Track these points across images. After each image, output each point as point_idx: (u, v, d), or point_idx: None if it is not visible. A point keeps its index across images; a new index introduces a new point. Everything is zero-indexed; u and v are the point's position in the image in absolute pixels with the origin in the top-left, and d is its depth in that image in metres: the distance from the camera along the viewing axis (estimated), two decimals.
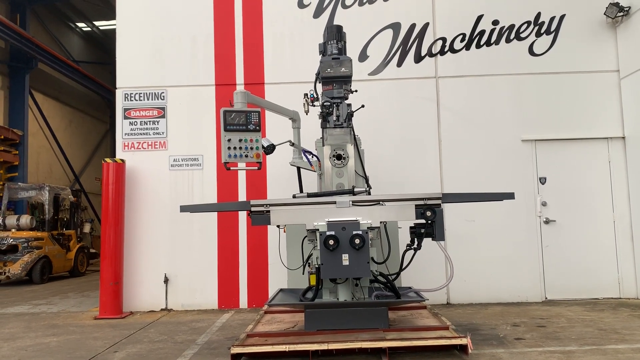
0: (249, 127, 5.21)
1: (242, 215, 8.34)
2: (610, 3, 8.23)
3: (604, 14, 8.31)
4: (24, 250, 13.19)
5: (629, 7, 8.09)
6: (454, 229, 8.12)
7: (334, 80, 5.64)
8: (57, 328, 7.10)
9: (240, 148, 5.21)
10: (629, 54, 8.21)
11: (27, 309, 8.96)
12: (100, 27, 24.15)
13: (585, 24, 8.50)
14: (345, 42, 5.91)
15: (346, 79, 5.67)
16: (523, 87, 8.44)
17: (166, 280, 8.24)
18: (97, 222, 21.06)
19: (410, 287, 6.14)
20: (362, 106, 5.97)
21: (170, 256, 8.29)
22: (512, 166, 8.31)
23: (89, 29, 24.20)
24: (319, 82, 5.89)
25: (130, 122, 8.48)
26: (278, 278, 7.96)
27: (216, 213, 8.33)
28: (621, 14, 8.18)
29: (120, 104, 8.53)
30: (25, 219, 13.96)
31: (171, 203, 8.29)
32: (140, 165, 8.38)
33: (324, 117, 5.73)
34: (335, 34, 5.80)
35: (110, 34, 22.10)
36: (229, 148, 5.18)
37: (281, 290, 6.31)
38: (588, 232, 8.23)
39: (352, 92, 5.83)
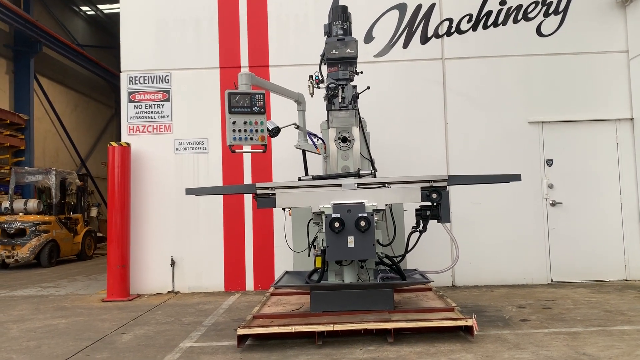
0: (253, 109, 5.18)
1: (248, 198, 8.35)
2: None
3: None
4: (32, 234, 13.30)
5: None
6: (460, 212, 8.10)
7: (339, 62, 5.59)
8: (65, 310, 7.17)
9: (245, 131, 5.18)
10: (638, 34, 8.09)
11: (35, 292, 9.05)
12: (105, 11, 24.02)
13: (594, 3, 8.37)
14: (350, 23, 5.84)
15: (351, 60, 5.62)
16: (530, 69, 8.34)
17: (173, 263, 8.28)
18: (103, 206, 21.16)
19: (415, 269, 6.15)
20: (368, 88, 5.92)
21: (176, 239, 8.32)
22: (519, 148, 8.25)
23: (93, 12, 24.09)
24: (324, 64, 5.83)
25: (135, 106, 8.47)
26: (284, 260, 7.99)
27: (222, 196, 8.34)
28: None
29: (124, 87, 8.51)
30: (32, 203, 14.05)
31: (177, 186, 8.29)
32: (145, 149, 8.39)
33: (329, 99, 5.69)
34: (340, 14, 5.73)
35: (115, 18, 21.96)
36: (233, 130, 5.15)
37: (287, 272, 6.34)
38: (594, 214, 8.19)
39: (357, 73, 5.78)
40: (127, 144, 8.16)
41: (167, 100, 8.48)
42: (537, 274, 8.13)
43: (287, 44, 8.50)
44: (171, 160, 8.41)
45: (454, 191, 8.01)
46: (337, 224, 4.93)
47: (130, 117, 8.46)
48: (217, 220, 8.36)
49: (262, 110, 5.22)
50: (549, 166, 8.26)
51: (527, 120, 8.27)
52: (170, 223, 8.34)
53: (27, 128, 17.98)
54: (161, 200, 8.36)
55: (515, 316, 5.84)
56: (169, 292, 8.27)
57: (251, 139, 5.22)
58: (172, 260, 8.28)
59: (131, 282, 8.13)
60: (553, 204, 8.20)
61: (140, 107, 8.47)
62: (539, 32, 8.37)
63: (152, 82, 8.49)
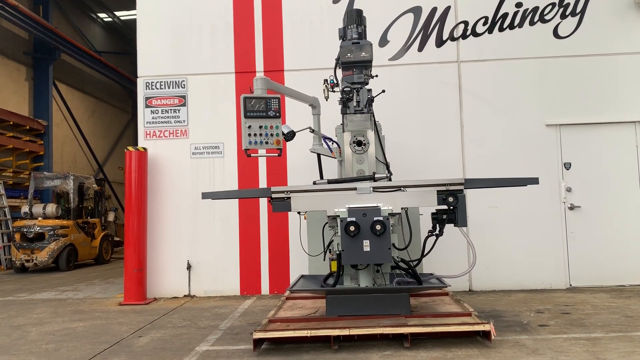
0: (269, 113, 5.20)
1: (263, 203, 8.37)
2: None
3: None
4: (51, 238, 13.46)
5: None
6: (477, 216, 8.03)
7: (354, 65, 5.58)
8: (83, 314, 7.24)
9: (261, 135, 5.20)
10: None
11: (54, 295, 9.15)
12: (121, 17, 24.35)
13: (612, 4, 8.27)
14: (365, 27, 5.84)
15: (366, 64, 5.61)
16: (547, 71, 8.26)
17: (189, 267, 8.33)
18: (120, 211, 21.37)
19: (432, 274, 6.11)
20: (383, 91, 5.91)
21: (192, 243, 8.37)
22: (536, 151, 8.17)
23: (110, 19, 24.43)
24: (339, 68, 5.83)
25: (151, 111, 8.55)
26: (299, 264, 7.98)
27: (237, 200, 8.37)
28: None
29: (141, 92, 8.59)
30: (51, 208, 14.23)
31: (193, 191, 8.35)
32: (162, 154, 8.46)
33: (344, 102, 5.69)
34: (355, 18, 5.73)
35: (131, 24, 22.25)
36: (249, 135, 5.17)
37: (302, 276, 6.34)
38: (614, 218, 8.06)
39: (372, 77, 5.77)
40: (144, 148, 8.24)
41: (184, 105, 8.54)
42: (555, 278, 8.02)
43: (302, 49, 8.52)
44: (187, 165, 8.47)
45: (470, 195, 7.96)
46: (352, 228, 4.92)
47: (147, 122, 8.54)
48: (232, 225, 8.39)
49: (277, 114, 5.23)
50: (567, 169, 8.16)
51: (545, 123, 8.19)
52: (187, 227, 8.39)
53: (46, 134, 18.24)
54: (177, 204, 8.42)
55: (534, 321, 5.76)
56: (185, 295, 8.31)
57: (267, 143, 5.23)
58: (189, 264, 8.32)
59: (148, 286, 8.18)
60: (571, 208, 8.10)
61: (156, 112, 8.55)
62: (556, 34, 8.29)
63: (169, 88, 8.56)
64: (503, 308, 6.59)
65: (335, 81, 5.87)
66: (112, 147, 25.18)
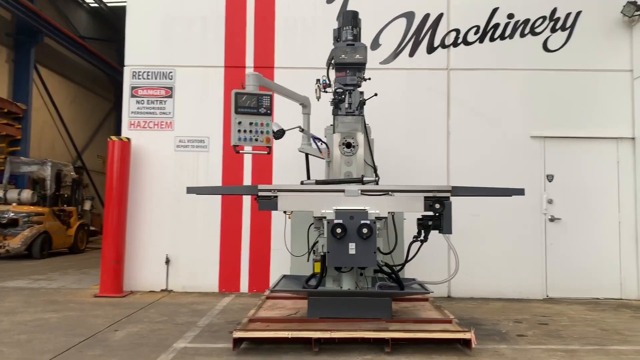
0: (260, 110, 5.14)
1: (247, 199, 8.29)
2: (627, 1, 8.11)
3: (621, 12, 8.20)
4: (25, 224, 13.16)
5: None
6: (459, 223, 7.84)
7: (348, 67, 5.56)
8: (57, 304, 7.08)
9: (251, 131, 5.14)
10: None
11: (26, 284, 8.95)
12: (108, 4, 23.93)
13: (601, 21, 8.38)
14: (360, 29, 5.81)
15: (360, 66, 5.59)
16: (535, 83, 8.35)
17: (167, 261, 8.21)
18: (97, 200, 21.06)
19: (414, 279, 6.10)
20: (375, 94, 5.88)
21: (172, 237, 8.25)
22: (520, 162, 8.25)
23: (96, 5, 23.99)
24: (332, 68, 5.80)
25: (137, 101, 8.41)
26: (280, 263, 7.93)
27: (220, 196, 8.27)
28: (638, 13, 8.06)
29: (127, 82, 8.44)
30: (26, 194, 13.93)
31: (176, 184, 8.24)
32: (145, 145, 8.32)
33: (336, 104, 5.66)
34: (350, 19, 5.70)
35: (118, 11, 21.90)
36: (239, 131, 5.11)
37: (284, 276, 6.28)
38: (593, 231, 8.19)
39: (365, 79, 5.75)
40: (128, 138, 8.10)
41: (170, 96, 8.42)
42: (533, 288, 8.11)
43: (293, 47, 8.47)
44: (171, 158, 8.35)
45: (454, 201, 7.96)
46: (339, 230, 4.89)
47: (132, 112, 8.40)
48: (214, 220, 8.29)
49: (268, 112, 5.19)
50: (550, 181, 8.26)
51: (530, 135, 8.27)
52: (167, 221, 8.27)
53: (25, 118, 17.83)
54: (159, 197, 8.29)
55: (512, 331, 5.81)
56: (162, 290, 8.19)
57: (256, 140, 5.18)
58: (167, 258, 8.21)
59: (125, 279, 8.04)
60: (552, 220, 8.20)
61: (142, 102, 8.40)
62: (545, 47, 8.38)
63: (156, 78, 8.43)
64: (482, 316, 6.63)
65: (327, 81, 5.84)
66: (92, 135, 24.75)
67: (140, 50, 8.49)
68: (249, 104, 5.11)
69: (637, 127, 8.22)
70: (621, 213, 8.20)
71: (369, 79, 5.81)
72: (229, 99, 8.36)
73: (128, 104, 8.40)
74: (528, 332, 5.74)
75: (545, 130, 8.28)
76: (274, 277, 8.18)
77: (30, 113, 18.15)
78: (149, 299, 7.55)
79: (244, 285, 8.24)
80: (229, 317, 6.40)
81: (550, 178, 8.26)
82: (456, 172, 8.25)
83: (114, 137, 8.02)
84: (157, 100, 8.40)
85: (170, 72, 8.44)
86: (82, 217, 16.28)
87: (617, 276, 8.13)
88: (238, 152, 5.30)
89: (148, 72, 8.43)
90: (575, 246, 8.15)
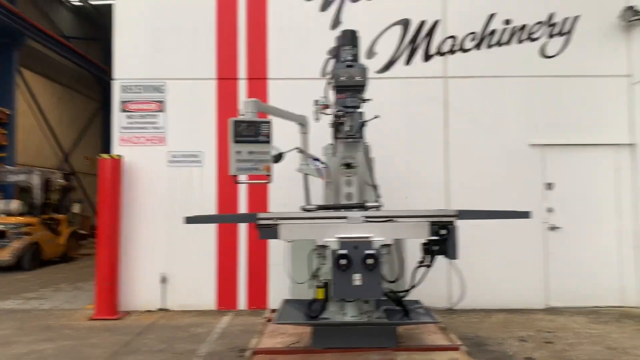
0: (259, 138, 4.97)
1: (243, 211, 8.13)
2: (625, 7, 8.01)
3: (618, 17, 8.09)
4: (14, 236, 12.89)
5: None
6: (459, 233, 7.94)
7: (348, 89, 5.38)
8: (52, 331, 6.89)
9: (250, 160, 4.98)
10: None
11: (18, 305, 8.73)
12: (91, 2, 23.43)
13: (598, 26, 8.28)
14: (359, 48, 5.63)
15: (360, 88, 5.42)
16: (533, 90, 8.24)
17: (163, 280, 8.04)
18: (86, 203, 20.81)
19: (417, 301, 5.99)
20: (377, 116, 5.72)
21: (167, 255, 8.08)
22: (520, 170, 8.15)
23: (80, 3, 23.48)
24: (331, 89, 5.62)
25: (127, 116, 8.18)
26: (279, 279, 7.79)
27: (215, 210, 8.10)
28: (636, 18, 7.96)
29: (117, 96, 8.20)
30: (15, 204, 13.65)
31: (169, 200, 8.07)
32: (137, 161, 8.11)
33: (336, 127, 5.49)
34: (350, 39, 5.51)
35: (102, 9, 21.48)
36: (238, 160, 4.94)
37: (286, 301, 6.14)
38: (593, 239, 8.13)
39: (365, 101, 5.58)
40: (119, 156, 7.88)
41: (162, 110, 8.20)
42: (534, 298, 8.06)
43: (287, 57, 8.27)
44: (164, 174, 8.15)
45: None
46: (343, 261, 4.74)
47: (122, 128, 8.17)
48: (210, 236, 8.11)
49: (267, 139, 5.01)
50: (549, 190, 8.17)
51: (529, 143, 8.18)
52: (162, 238, 8.08)
53: (10, 123, 17.47)
54: (153, 214, 8.10)
55: (519, 352, 5.74)
56: (159, 309, 8.02)
57: (256, 169, 5.01)
58: (163, 276, 8.04)
59: (120, 298, 7.87)
60: (552, 229, 8.13)
61: (133, 117, 8.18)
62: (542, 53, 8.27)
63: (146, 92, 8.20)
64: (486, 334, 6.55)
65: (326, 102, 5.66)
66: (80, 136, 24.37)
67: (129, 63, 8.25)
68: (248, 132, 4.93)
69: (636, 133, 8.15)
70: (621, 221, 8.15)
71: (370, 99, 5.64)
72: (222, 111, 8.21)
73: (118, 119, 8.17)
74: (535, 354, 5.67)
75: (544, 138, 8.18)
76: (272, 293, 8.08)
77: (15, 118, 17.77)
78: (146, 320, 7.39)
79: (243, 302, 8.10)
80: (229, 342, 6.26)
81: (549, 186, 8.18)
82: (455, 183, 8.15)
83: (105, 155, 7.80)
84: (148, 115, 8.18)
85: (162, 86, 8.21)
86: (72, 223, 16.01)
87: (618, 284, 8.10)
88: (237, 182, 5.12)
89: (138, 85, 8.20)
90: (575, 255, 8.10)
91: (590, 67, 8.26)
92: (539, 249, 8.12)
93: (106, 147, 25.69)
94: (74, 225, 16.34)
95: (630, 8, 7.95)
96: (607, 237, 8.15)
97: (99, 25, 23.19)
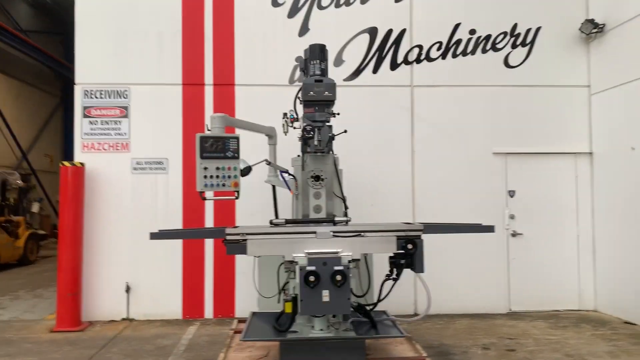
0: (227, 154, 4.92)
1: (209, 221, 8.06)
2: (586, 19, 8.24)
3: (579, 29, 8.32)
4: None
5: (604, 25, 8.11)
6: (424, 239, 8.07)
7: (317, 104, 5.38)
8: (11, 345, 6.68)
9: (217, 177, 4.93)
10: (600, 70, 8.28)
11: None
12: None
13: (560, 38, 8.50)
14: (327, 62, 5.64)
15: (329, 103, 5.43)
16: (497, 99, 8.41)
17: (128, 289, 7.90)
18: (46, 201, 20.23)
19: (384, 312, 6.08)
20: (345, 131, 5.76)
21: (132, 264, 7.93)
22: (483, 178, 8.32)
23: None
24: (300, 103, 5.60)
25: (90, 122, 7.98)
26: (246, 287, 7.77)
27: (181, 219, 8.01)
28: (595, 30, 8.20)
29: (79, 101, 7.98)
30: None
31: (133, 208, 7.94)
32: (100, 168, 7.93)
33: (305, 141, 5.48)
34: (318, 53, 5.51)
35: (62, 3, 20.77)
36: (205, 177, 4.88)
37: (254, 314, 6.12)
38: (553, 245, 8.38)
39: (334, 115, 5.59)
40: (81, 163, 7.68)
41: (125, 116, 8.03)
42: (496, 303, 8.26)
43: (254, 63, 8.20)
44: (128, 181, 7.99)
45: (419, 219, 8.06)
46: (312, 278, 4.74)
47: (85, 134, 7.97)
48: (175, 244, 8.00)
49: (235, 155, 4.97)
50: (511, 197, 8.38)
51: (492, 151, 8.35)
52: (126, 247, 7.93)
53: None
54: (117, 222, 7.94)
55: None
56: (123, 319, 7.89)
57: (223, 185, 4.96)
58: (127, 285, 7.90)
59: (83, 308, 7.70)
60: (514, 235, 8.34)
61: (95, 122, 7.99)
62: (506, 63, 8.44)
63: (110, 97, 8.02)
64: (450, 341, 6.68)
65: (295, 116, 5.65)
66: (39, 133, 23.56)
67: (91, 67, 8.03)
68: (215, 148, 4.88)
69: (594, 143, 8.42)
70: (579, 226, 8.42)
71: (338, 114, 5.66)
72: (187, 118, 8.10)
73: (80, 125, 7.96)
74: None
75: (507, 147, 8.37)
76: (239, 301, 8.05)
77: None
78: (110, 332, 7.25)
79: (209, 311, 8.04)
80: (196, 355, 6.21)
81: (512, 194, 8.38)
82: (421, 189, 8.27)
83: (66, 163, 7.59)
84: (111, 121, 8.00)
85: (125, 91, 8.03)
86: (31, 225, 15.55)
87: (576, 288, 8.38)
88: (205, 199, 5.06)
89: (101, 90, 8.01)
90: (536, 260, 8.33)
91: (552, 77, 8.48)
92: (501, 255, 8.33)
93: (67, 144, 24.92)
94: (33, 226, 15.88)
95: (590, 21, 8.18)
96: (566, 242, 8.41)
97: (59, 19, 22.45)
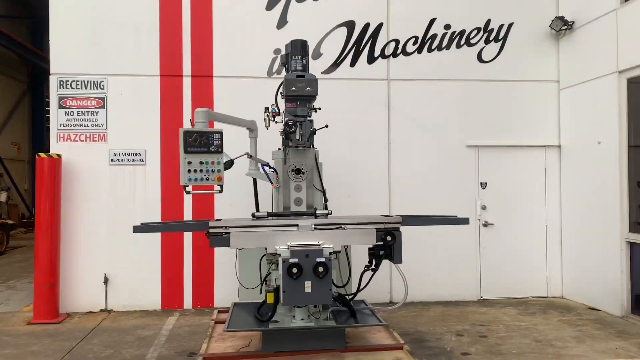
0: (210, 148, 5.00)
1: (187, 212, 8.10)
2: (556, 16, 8.50)
3: (550, 26, 8.58)
4: None
5: (573, 22, 8.39)
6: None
7: (298, 99, 5.48)
8: None
9: (201, 171, 5.00)
10: (569, 66, 8.58)
11: None
12: None
13: (531, 33, 8.75)
14: (308, 57, 5.73)
15: (310, 98, 5.53)
16: (470, 93, 8.63)
17: (106, 280, 7.91)
18: (14, 190, 19.81)
19: (363, 301, 6.27)
20: (326, 126, 5.89)
21: (110, 255, 7.93)
22: (457, 170, 8.56)
23: None
24: (282, 98, 5.69)
25: (65, 112, 7.89)
26: (225, 277, 7.91)
27: (160, 209, 8.03)
28: (565, 27, 8.47)
29: (54, 91, 7.88)
30: None
31: (111, 199, 7.92)
32: (77, 159, 7.87)
33: (286, 135, 5.59)
34: (300, 49, 5.61)
35: None
36: (189, 171, 4.95)
37: (235, 305, 6.24)
38: (522, 235, 8.70)
39: (315, 110, 5.71)
40: (58, 155, 7.61)
41: (102, 107, 7.97)
42: (468, 291, 8.55)
43: (232, 55, 8.21)
44: (105, 172, 7.95)
45: (395, 209, 8.27)
46: (294, 270, 4.88)
47: (61, 125, 7.88)
48: (154, 235, 7.99)
49: (219, 149, 5.04)
50: (483, 188, 8.65)
51: (465, 144, 8.59)
52: (104, 238, 7.92)
53: None
54: (94, 214, 7.91)
55: (457, 347, 6.12)
56: (101, 310, 7.90)
57: (207, 179, 5.04)
58: (105, 277, 7.90)
59: (61, 300, 7.68)
60: (485, 225, 8.62)
61: (71, 113, 7.90)
62: (480, 58, 8.66)
63: (86, 88, 7.94)
64: (425, 328, 6.92)
65: (277, 110, 5.74)
66: (5, 121, 22.93)
67: (67, 57, 7.93)
68: (199, 142, 4.94)
69: (562, 136, 8.73)
70: (548, 217, 8.75)
71: (319, 109, 5.77)
72: (165, 109, 8.09)
73: (56, 116, 7.87)
74: (471, 349, 6.06)
75: (479, 140, 8.62)
76: (218, 292, 8.13)
77: None
78: (89, 323, 7.26)
79: (188, 301, 8.10)
80: (177, 345, 6.29)
81: (483, 185, 8.65)
82: (397, 181, 8.46)
83: (42, 155, 7.51)
84: (88, 112, 7.93)
85: (102, 82, 7.96)
86: (0, 216, 15.25)
87: (544, 276, 8.73)
88: (189, 193, 5.12)
89: (77, 81, 7.92)
90: (506, 249, 8.64)
91: (523, 73, 8.74)
92: (473, 244, 8.61)
93: (35, 132, 24.34)
94: (2, 216, 15.58)
95: (560, 18, 8.44)
96: (535, 232, 8.74)
97: (24, 2, 21.85)
